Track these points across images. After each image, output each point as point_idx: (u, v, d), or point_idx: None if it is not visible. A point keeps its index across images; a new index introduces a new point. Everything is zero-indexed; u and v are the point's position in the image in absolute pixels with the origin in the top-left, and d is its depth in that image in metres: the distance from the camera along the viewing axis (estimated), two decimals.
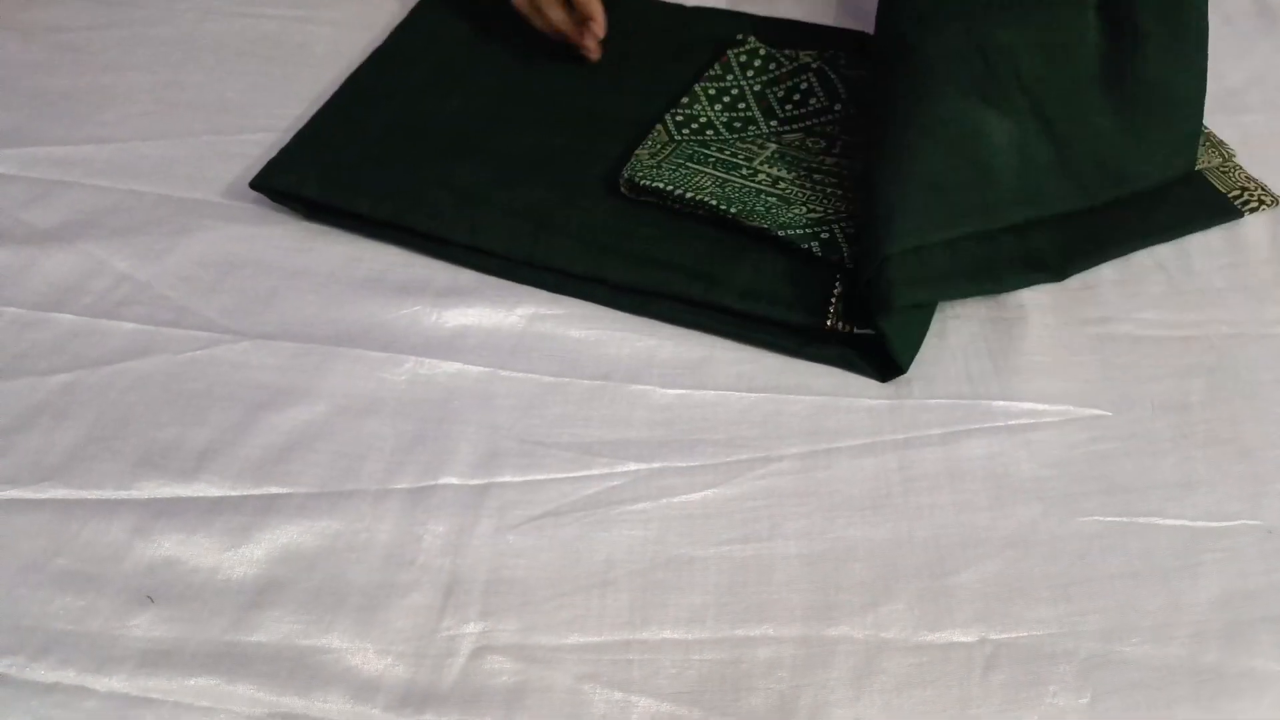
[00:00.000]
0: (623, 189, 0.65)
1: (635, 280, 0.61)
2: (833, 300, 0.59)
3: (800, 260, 0.61)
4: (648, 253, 0.62)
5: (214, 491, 0.53)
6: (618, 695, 0.47)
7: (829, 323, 0.58)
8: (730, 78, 0.74)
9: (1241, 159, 0.69)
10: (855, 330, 0.57)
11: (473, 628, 0.49)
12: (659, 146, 0.68)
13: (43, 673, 0.46)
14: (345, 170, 0.66)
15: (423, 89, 0.73)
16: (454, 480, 0.54)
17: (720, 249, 0.62)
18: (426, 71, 0.75)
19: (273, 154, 0.68)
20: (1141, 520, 0.52)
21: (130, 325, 0.60)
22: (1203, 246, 0.65)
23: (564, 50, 0.76)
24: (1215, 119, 0.73)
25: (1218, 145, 0.69)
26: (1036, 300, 0.61)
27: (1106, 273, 0.63)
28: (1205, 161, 0.67)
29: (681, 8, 0.83)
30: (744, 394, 0.58)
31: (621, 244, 0.62)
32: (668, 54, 0.77)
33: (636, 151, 0.67)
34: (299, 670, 0.47)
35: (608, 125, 0.71)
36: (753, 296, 0.59)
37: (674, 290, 0.60)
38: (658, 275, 0.61)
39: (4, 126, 0.71)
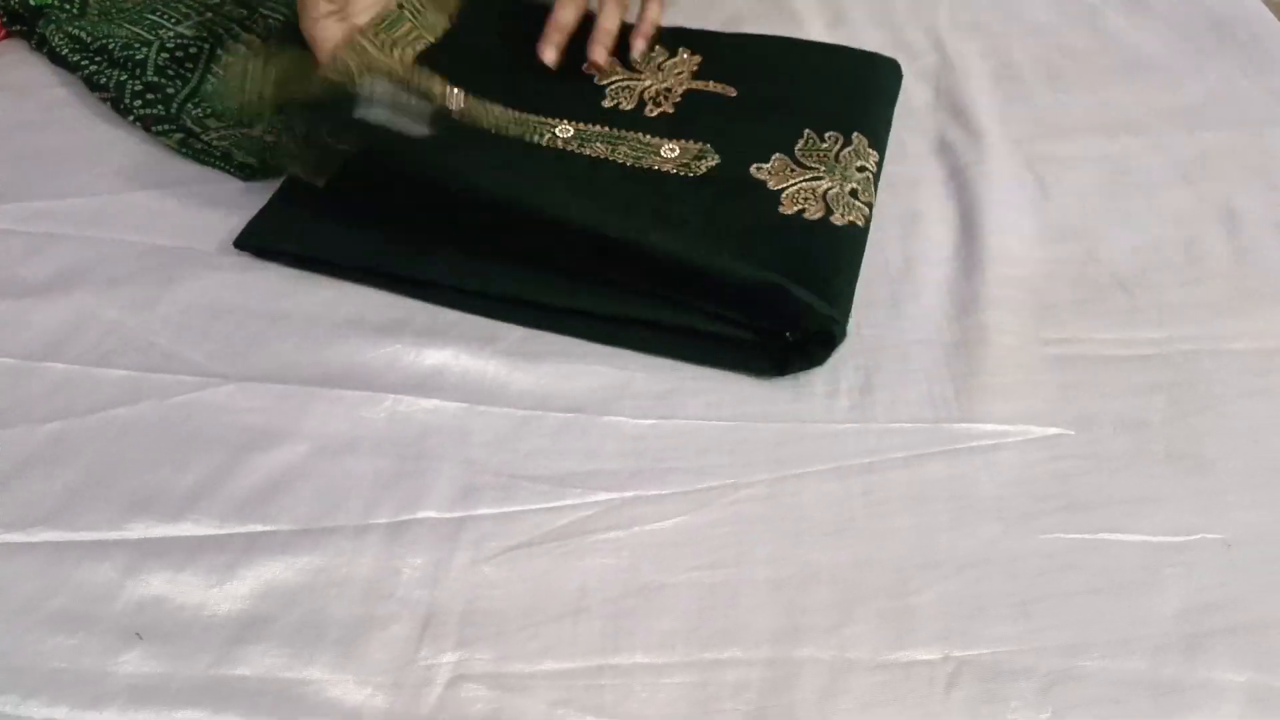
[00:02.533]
0: None
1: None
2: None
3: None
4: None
5: (200, 531, 0.55)
6: None
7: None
8: None
9: (1199, 176, 0.71)
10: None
11: (449, 657, 0.50)
12: None
13: (36, 710, 0.48)
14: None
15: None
16: (432, 514, 0.55)
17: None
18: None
19: (256, 201, 0.70)
20: (1101, 536, 0.54)
21: (120, 372, 0.62)
22: (1162, 262, 0.66)
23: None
24: (1173, 136, 0.74)
25: None
26: (998, 322, 0.63)
27: (1065, 293, 0.65)
28: None
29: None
30: (713, 422, 0.59)
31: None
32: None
33: None
34: (282, 702, 0.48)
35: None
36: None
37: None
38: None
39: None
